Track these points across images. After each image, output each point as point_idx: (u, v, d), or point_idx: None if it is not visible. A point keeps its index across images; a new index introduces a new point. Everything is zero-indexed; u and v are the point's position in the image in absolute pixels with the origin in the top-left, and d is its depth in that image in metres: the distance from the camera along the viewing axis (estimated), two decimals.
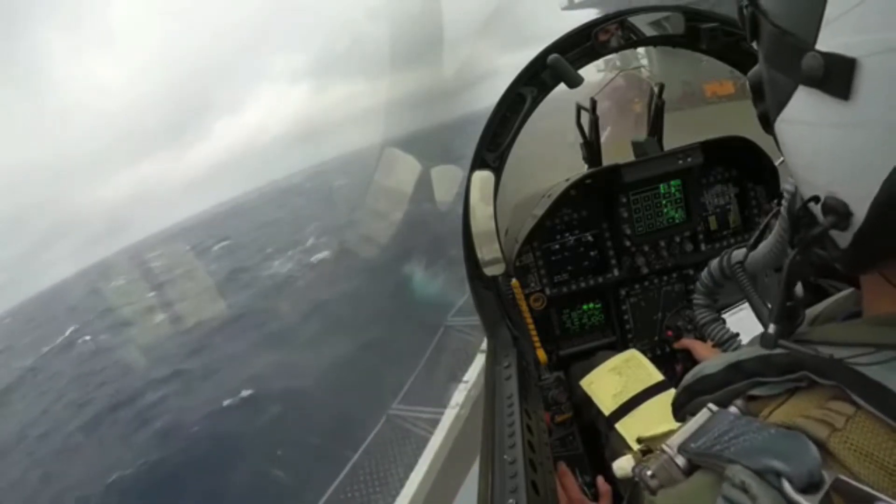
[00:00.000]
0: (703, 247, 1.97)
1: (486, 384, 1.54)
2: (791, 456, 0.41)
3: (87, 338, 32.84)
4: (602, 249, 1.99)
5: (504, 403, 1.36)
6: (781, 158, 0.57)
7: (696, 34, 1.61)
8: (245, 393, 17.32)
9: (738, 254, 0.72)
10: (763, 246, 0.65)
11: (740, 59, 1.66)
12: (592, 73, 1.77)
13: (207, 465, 14.58)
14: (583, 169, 2.06)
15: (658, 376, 1.60)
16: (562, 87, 1.66)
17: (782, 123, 0.51)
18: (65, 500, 15.97)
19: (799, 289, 0.58)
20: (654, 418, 1.44)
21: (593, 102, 2.04)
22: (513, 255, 1.89)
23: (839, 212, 0.45)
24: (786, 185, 0.58)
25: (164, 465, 15.46)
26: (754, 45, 0.53)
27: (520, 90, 1.67)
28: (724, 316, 1.56)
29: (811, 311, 0.63)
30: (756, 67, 0.55)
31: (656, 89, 2.03)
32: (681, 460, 0.53)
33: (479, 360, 3.38)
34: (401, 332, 13.85)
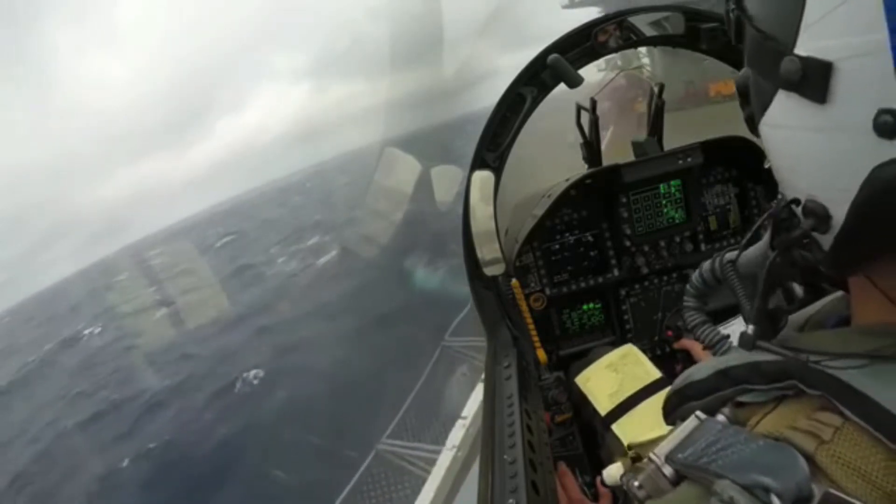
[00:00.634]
0: (703, 247, 1.97)
1: (486, 384, 1.54)
2: (779, 470, 0.41)
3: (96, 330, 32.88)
4: (602, 249, 1.99)
5: (504, 403, 1.36)
6: (768, 163, 0.58)
7: (696, 34, 1.61)
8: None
9: (730, 255, 0.72)
10: (754, 247, 0.65)
11: (740, 60, 1.65)
12: (592, 72, 1.77)
13: None
14: (583, 169, 2.06)
15: (655, 373, 1.58)
16: (562, 86, 1.67)
17: (765, 127, 0.51)
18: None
19: (799, 290, 0.58)
20: (651, 419, 1.44)
21: (593, 102, 2.04)
22: (513, 255, 1.89)
23: (819, 215, 0.45)
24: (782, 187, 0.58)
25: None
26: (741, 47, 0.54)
27: (520, 90, 1.67)
28: (729, 320, 1.54)
29: (804, 313, 0.62)
30: (742, 71, 0.56)
31: (656, 89, 2.03)
32: (668, 470, 0.53)
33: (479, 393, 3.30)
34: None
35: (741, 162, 1.93)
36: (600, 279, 1.98)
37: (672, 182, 1.90)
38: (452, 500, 3.30)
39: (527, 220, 1.92)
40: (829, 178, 0.44)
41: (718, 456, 0.47)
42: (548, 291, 1.96)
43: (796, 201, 0.48)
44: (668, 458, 0.53)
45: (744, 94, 0.56)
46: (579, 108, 2.06)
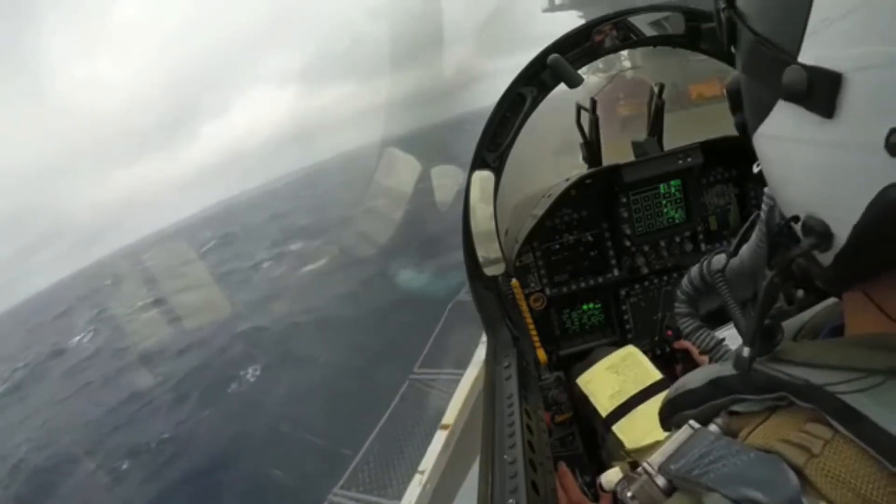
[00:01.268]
0: (703, 247, 1.97)
1: (486, 384, 1.54)
2: (769, 485, 0.41)
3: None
4: (602, 249, 1.99)
5: (504, 403, 1.36)
6: (758, 166, 0.54)
7: (696, 34, 1.61)
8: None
9: (719, 260, 0.72)
10: (744, 251, 0.64)
11: None
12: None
13: None
14: (583, 169, 2.06)
15: (656, 375, 1.59)
16: (562, 86, 1.66)
17: (761, 137, 0.48)
18: None
19: (800, 292, 0.58)
20: (652, 420, 1.44)
21: (593, 102, 2.04)
22: (513, 255, 1.89)
23: (820, 233, 0.43)
24: (767, 191, 0.56)
25: None
26: (735, 52, 0.50)
27: (520, 90, 1.66)
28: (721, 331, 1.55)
29: (798, 320, 0.61)
30: (734, 76, 0.53)
31: (656, 89, 2.03)
32: (661, 481, 0.53)
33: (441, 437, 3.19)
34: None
35: (741, 162, 1.93)
36: (600, 279, 1.98)
37: (672, 182, 1.90)
38: (452, 500, 3.30)
39: (527, 220, 1.92)
40: (832, 196, 0.42)
41: (710, 468, 0.46)
42: (548, 291, 1.96)
43: (795, 218, 0.46)
44: (661, 469, 0.53)
45: (735, 100, 0.53)
46: (579, 108, 2.06)
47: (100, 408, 18.61)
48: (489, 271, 1.64)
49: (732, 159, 1.93)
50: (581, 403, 1.67)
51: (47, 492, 14.66)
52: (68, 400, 21.06)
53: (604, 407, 1.54)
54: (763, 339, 0.51)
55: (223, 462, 12.79)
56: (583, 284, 1.98)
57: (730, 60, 1.75)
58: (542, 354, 1.76)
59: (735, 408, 0.54)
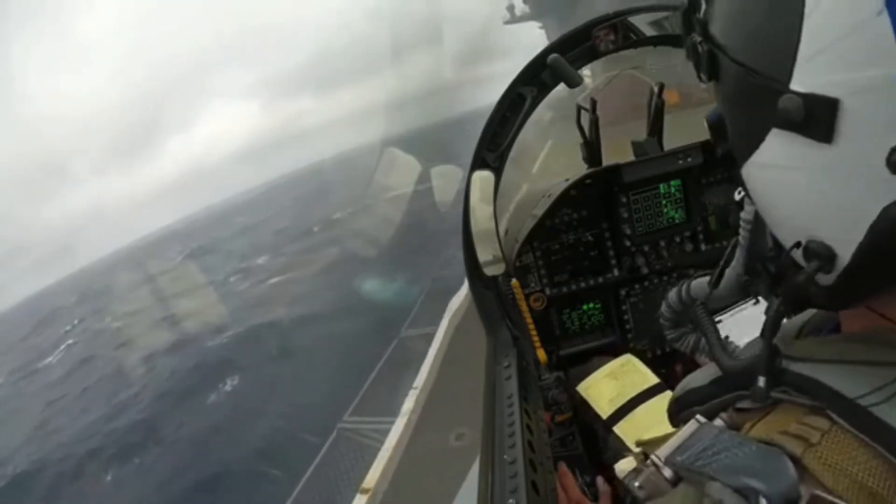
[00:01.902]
0: (703, 247, 1.97)
1: (487, 384, 1.54)
2: (768, 474, 0.42)
3: None
4: (602, 249, 1.99)
5: (504, 403, 1.36)
6: (739, 193, 0.54)
7: None
8: None
9: (698, 285, 0.72)
10: (723, 285, 0.65)
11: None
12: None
13: None
14: (583, 169, 2.06)
15: (653, 379, 1.61)
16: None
17: (752, 167, 0.48)
18: None
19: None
20: (651, 421, 1.45)
21: (593, 102, 2.04)
22: (513, 255, 1.89)
23: (823, 256, 0.43)
24: (743, 214, 0.56)
25: None
26: (716, 84, 0.50)
27: (520, 90, 1.66)
28: (722, 317, 1.56)
29: (800, 318, 0.63)
30: (714, 109, 0.52)
31: (656, 89, 2.03)
32: (668, 472, 0.54)
33: None
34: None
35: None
36: (600, 279, 1.98)
37: (672, 182, 1.90)
38: (452, 500, 3.30)
39: (527, 220, 1.92)
40: (834, 218, 0.42)
41: (713, 459, 0.48)
42: (548, 291, 1.96)
43: (797, 244, 0.46)
44: (668, 461, 0.54)
45: (717, 131, 0.53)
46: (579, 109, 2.06)
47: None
48: (489, 271, 1.64)
49: (733, 159, 1.93)
50: (581, 408, 1.68)
51: None
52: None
53: (603, 410, 1.56)
54: (770, 370, 0.51)
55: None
56: (583, 284, 1.98)
57: None
58: (542, 354, 1.76)
59: (740, 404, 0.56)
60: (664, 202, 1.92)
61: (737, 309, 1.60)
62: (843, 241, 0.42)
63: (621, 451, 1.46)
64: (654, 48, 1.67)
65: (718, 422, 0.57)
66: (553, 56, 1.58)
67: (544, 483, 1.13)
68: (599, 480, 1.39)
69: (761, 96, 0.42)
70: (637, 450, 1.22)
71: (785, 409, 0.50)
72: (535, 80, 1.65)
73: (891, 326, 0.46)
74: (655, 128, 2.03)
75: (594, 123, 2.03)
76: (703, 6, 0.50)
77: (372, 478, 3.75)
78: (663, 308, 0.81)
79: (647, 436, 1.39)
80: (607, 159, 2.03)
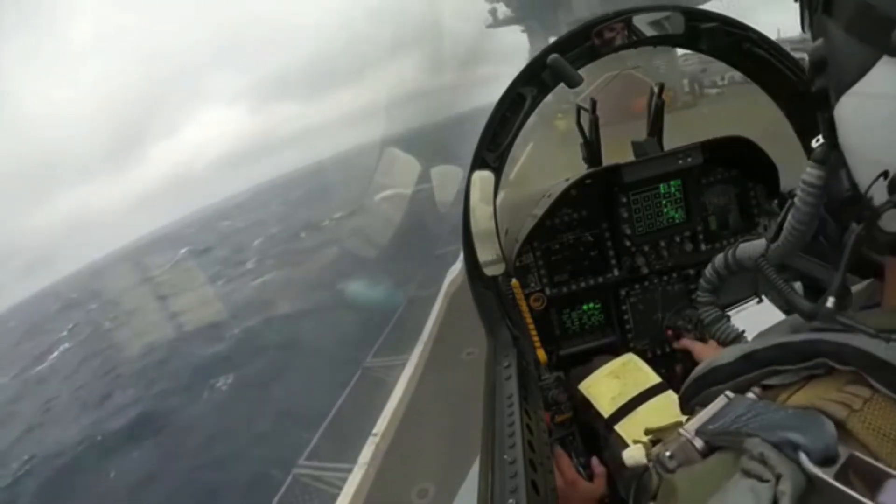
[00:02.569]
0: (703, 247, 1.97)
1: (487, 384, 1.54)
2: (809, 430, 0.42)
3: None
4: (602, 249, 1.99)
5: (504, 403, 1.36)
6: (818, 140, 0.56)
7: (695, 34, 1.61)
8: None
9: (746, 247, 0.72)
10: (783, 237, 0.65)
11: (740, 60, 1.66)
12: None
13: None
14: (583, 169, 2.06)
15: (655, 378, 1.61)
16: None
17: (853, 97, 0.50)
18: None
19: (799, 287, 0.58)
20: (653, 419, 1.45)
21: (593, 102, 2.04)
22: (513, 255, 1.89)
23: None
24: (804, 176, 0.57)
25: None
26: (827, 17, 0.52)
27: (520, 90, 1.66)
28: (729, 314, 1.57)
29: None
30: (819, 42, 0.54)
31: (656, 89, 2.03)
32: (699, 442, 0.54)
33: None
34: None
35: (741, 162, 1.93)
36: (600, 279, 1.98)
37: (672, 182, 1.90)
38: (452, 500, 3.30)
39: (527, 220, 1.92)
40: None
41: (749, 422, 0.48)
42: (548, 291, 1.96)
43: (885, 174, 0.47)
44: (699, 431, 0.54)
45: (819, 67, 0.54)
46: (579, 109, 2.06)
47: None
48: (489, 271, 1.64)
49: (732, 159, 1.93)
50: (582, 407, 1.68)
51: None
52: None
53: (605, 409, 1.55)
54: (840, 294, 0.52)
55: None
56: (583, 284, 1.98)
57: (727, 60, 1.74)
58: (542, 354, 1.76)
59: (769, 381, 0.55)
60: (664, 202, 1.92)
61: (741, 307, 1.60)
62: None
63: (622, 450, 1.46)
64: (635, 49, 1.67)
65: (750, 395, 0.56)
66: (553, 56, 1.58)
67: (544, 483, 1.13)
68: (594, 461, 1.40)
69: (878, 27, 0.44)
70: (646, 438, 1.22)
71: (822, 381, 0.50)
72: (535, 79, 1.66)
73: None
74: (655, 128, 2.04)
75: (594, 123, 2.03)
76: None
77: None
78: (707, 271, 0.80)
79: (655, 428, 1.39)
80: (607, 159, 2.04)
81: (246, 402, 14.86)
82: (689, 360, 1.72)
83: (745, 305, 1.59)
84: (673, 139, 1.91)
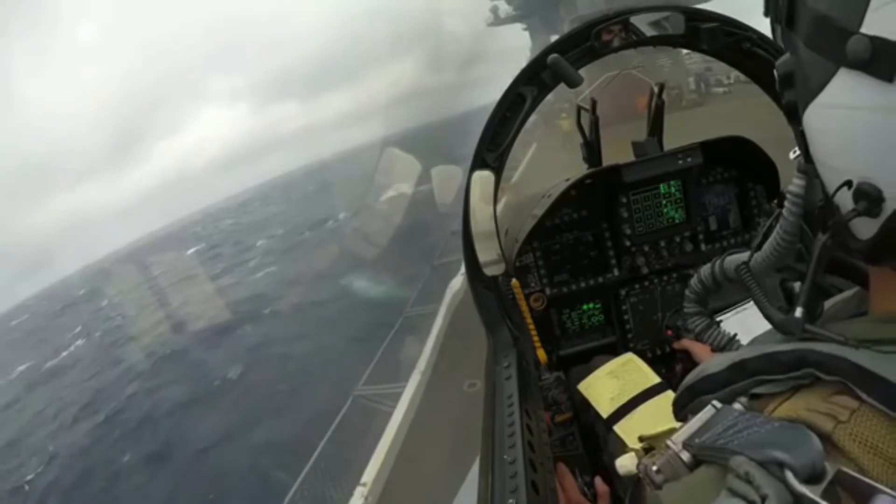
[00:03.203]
0: (703, 247, 1.97)
1: (487, 384, 1.54)
2: (794, 447, 0.42)
3: None
4: (602, 249, 1.99)
5: (504, 403, 1.36)
6: (795, 152, 0.57)
7: (696, 34, 1.61)
8: None
9: (735, 258, 0.72)
10: (767, 246, 0.65)
11: (740, 60, 1.66)
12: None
13: None
14: (583, 169, 2.06)
15: (655, 378, 1.60)
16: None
17: (816, 108, 0.51)
18: None
19: (797, 286, 0.58)
20: (652, 420, 1.45)
21: (593, 102, 2.04)
22: (513, 255, 1.89)
23: (872, 197, 0.45)
24: (791, 188, 0.58)
25: None
26: (790, 31, 0.54)
27: (520, 90, 1.66)
28: (724, 317, 1.56)
29: (827, 304, 0.63)
30: (785, 57, 0.56)
31: (656, 89, 2.03)
32: (686, 456, 0.53)
33: None
34: None
35: (741, 162, 1.93)
36: (600, 279, 1.98)
37: (672, 182, 1.90)
38: (452, 500, 3.30)
39: (527, 220, 1.92)
40: (885, 160, 0.44)
41: (735, 437, 0.48)
42: (548, 291, 1.96)
43: (848, 183, 0.48)
44: (686, 444, 0.54)
45: (786, 80, 0.56)
46: (579, 109, 2.06)
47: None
48: (489, 271, 1.64)
49: (732, 159, 1.93)
50: (582, 407, 1.68)
51: None
52: None
53: (604, 409, 1.55)
54: (809, 305, 0.53)
55: None
56: (583, 284, 1.98)
57: (727, 60, 1.73)
58: (542, 354, 1.76)
59: (757, 390, 0.55)
60: (664, 202, 1.92)
61: (738, 309, 1.60)
62: (893, 184, 0.44)
63: (620, 451, 1.46)
64: (636, 49, 1.68)
65: (737, 405, 0.56)
66: (553, 56, 1.58)
67: (544, 483, 1.13)
68: (598, 481, 1.38)
69: (834, 38, 0.46)
70: (639, 445, 1.21)
71: (809, 392, 0.50)
72: (535, 79, 1.66)
73: None
74: (655, 128, 2.04)
75: (594, 123, 2.03)
76: None
77: None
78: (693, 282, 0.81)
79: (650, 433, 1.39)
80: (607, 159, 2.04)
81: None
82: (689, 360, 1.72)
83: (743, 306, 1.59)
84: (682, 140, 1.91)
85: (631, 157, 1.95)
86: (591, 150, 2.07)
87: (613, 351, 1.94)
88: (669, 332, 1.96)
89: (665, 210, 1.93)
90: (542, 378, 1.70)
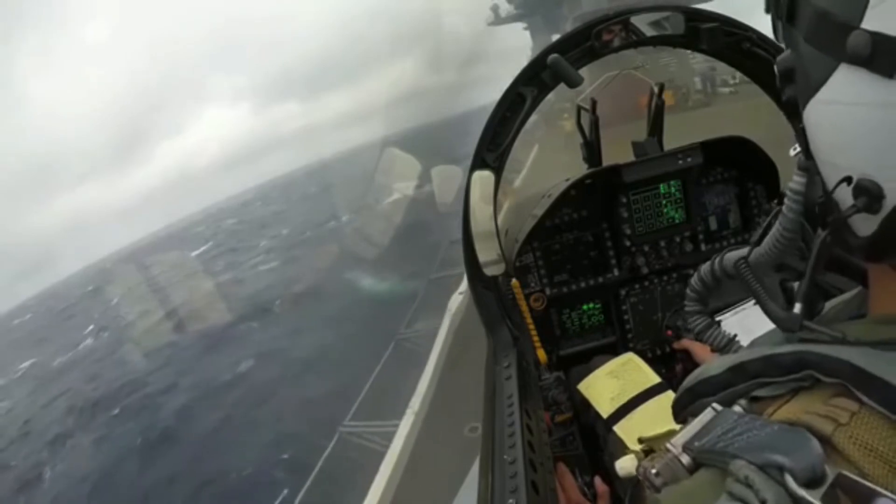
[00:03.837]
0: (703, 247, 1.97)
1: (487, 384, 1.54)
2: (794, 451, 0.41)
3: None
4: (602, 249, 1.99)
5: (504, 403, 1.36)
6: (795, 149, 0.57)
7: (696, 34, 1.61)
8: None
9: (735, 254, 0.72)
10: (766, 242, 0.65)
11: (740, 60, 1.66)
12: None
13: None
14: (583, 169, 2.06)
15: (655, 378, 1.60)
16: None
17: (817, 104, 0.50)
18: None
19: (797, 286, 0.58)
20: (652, 420, 1.45)
21: (593, 102, 2.04)
22: (513, 255, 1.89)
23: (872, 193, 0.45)
24: (790, 184, 0.58)
25: None
26: (791, 27, 0.53)
27: (520, 90, 1.66)
28: (723, 317, 1.56)
29: (827, 306, 0.62)
30: (786, 53, 0.55)
31: (656, 89, 2.03)
32: (685, 459, 0.53)
33: None
34: None
35: (741, 162, 1.93)
36: (600, 279, 1.98)
37: (672, 182, 1.90)
38: (452, 499, 3.30)
39: (527, 220, 1.92)
40: (885, 156, 0.44)
41: (735, 440, 0.47)
42: (548, 291, 1.96)
43: (848, 179, 0.48)
44: (685, 447, 0.53)
45: (787, 76, 0.56)
46: (579, 109, 2.06)
47: None
48: (489, 271, 1.64)
49: (732, 159, 1.93)
50: (582, 407, 1.68)
51: None
52: None
53: (604, 409, 1.55)
54: (812, 302, 0.52)
55: None
56: (583, 284, 1.98)
57: (727, 60, 1.73)
58: (542, 354, 1.76)
59: (757, 392, 0.55)
60: (664, 202, 1.92)
61: (738, 309, 1.60)
62: (892, 180, 0.44)
63: (620, 451, 1.46)
64: (638, 49, 1.67)
65: (736, 408, 0.55)
66: (553, 56, 1.58)
67: (544, 483, 1.13)
68: (598, 481, 1.38)
69: (835, 34, 0.45)
70: (638, 447, 1.21)
71: (808, 394, 0.50)
72: (535, 79, 1.66)
73: None
74: (655, 128, 2.03)
75: (594, 123, 2.03)
76: None
77: None
78: (693, 280, 0.81)
79: (649, 434, 1.39)
80: (607, 159, 2.04)
81: None
82: (689, 360, 1.72)
83: (742, 306, 1.59)
84: (689, 141, 1.91)
85: (631, 157, 1.95)
86: (591, 150, 2.07)
87: (613, 351, 1.94)
88: (669, 332, 1.96)
89: (665, 210, 1.93)
90: (542, 378, 1.70)
